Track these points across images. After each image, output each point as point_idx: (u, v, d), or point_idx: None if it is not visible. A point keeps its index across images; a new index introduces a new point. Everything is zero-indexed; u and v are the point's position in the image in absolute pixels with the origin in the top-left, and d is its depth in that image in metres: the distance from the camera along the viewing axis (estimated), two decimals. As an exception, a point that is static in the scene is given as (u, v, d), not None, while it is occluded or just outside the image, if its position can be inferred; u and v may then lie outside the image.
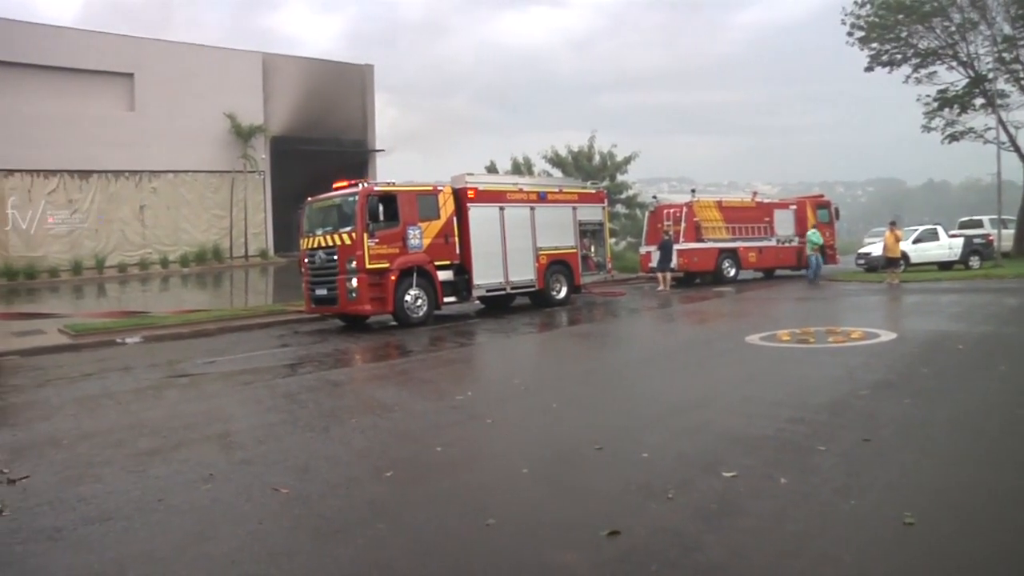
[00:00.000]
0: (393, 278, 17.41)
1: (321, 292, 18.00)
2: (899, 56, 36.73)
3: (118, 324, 18.69)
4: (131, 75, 38.48)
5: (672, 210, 28.51)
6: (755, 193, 34.17)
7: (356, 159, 44.69)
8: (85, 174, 37.15)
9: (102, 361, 15.01)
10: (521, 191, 20.92)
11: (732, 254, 28.64)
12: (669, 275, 26.60)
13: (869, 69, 37.50)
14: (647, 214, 30.95)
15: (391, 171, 44.42)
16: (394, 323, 17.97)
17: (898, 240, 25.95)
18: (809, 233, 28.21)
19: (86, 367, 14.37)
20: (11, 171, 35.15)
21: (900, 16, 34.86)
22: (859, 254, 33.29)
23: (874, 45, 36.70)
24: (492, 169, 42.82)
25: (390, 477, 6.52)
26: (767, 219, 30.03)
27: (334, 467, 6.99)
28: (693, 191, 30.46)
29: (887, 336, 13.01)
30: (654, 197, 32.54)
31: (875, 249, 30.36)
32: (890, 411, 7.87)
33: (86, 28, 39.35)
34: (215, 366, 13.57)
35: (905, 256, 27.89)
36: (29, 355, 16.17)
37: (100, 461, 7.60)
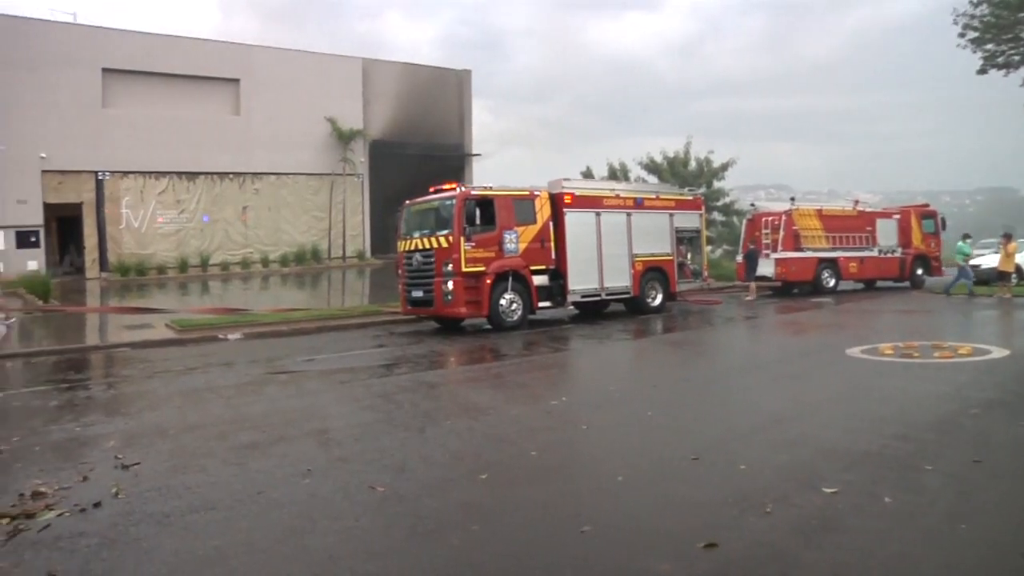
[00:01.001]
0: (489, 282, 17.51)
1: (417, 294, 18.23)
2: (1017, 57, 35.13)
3: (221, 321, 19.27)
4: (237, 81, 39.72)
5: (770, 218, 27.95)
6: (857, 201, 33.21)
7: (453, 163, 45.14)
8: (192, 176, 38.50)
9: (205, 356, 15.50)
10: (618, 197, 20.79)
11: (832, 264, 27.89)
12: (754, 285, 26.10)
13: (982, 72, 35.95)
14: (744, 222, 30.43)
15: (487, 176, 44.81)
16: (488, 327, 18.07)
17: (1011, 253, 24.83)
18: (959, 244, 26.85)
19: (190, 361, 14.86)
20: (126, 173, 36.68)
21: (1021, 15, 33.32)
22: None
23: (989, 46, 35.20)
24: (588, 174, 42.69)
25: (485, 480, 6.55)
26: (869, 228, 29.17)
27: (429, 467, 7.07)
28: (792, 199, 29.82)
29: (998, 353, 12.51)
30: (752, 204, 31.84)
31: (985, 261, 29.12)
32: (1003, 432, 7.57)
33: (197, 37, 40.59)
34: (313, 364, 13.87)
35: (1019, 269, 26.72)
36: (139, 348, 16.81)
37: (204, 452, 7.86)
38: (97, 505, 6.22)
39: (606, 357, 15.08)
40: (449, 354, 15.15)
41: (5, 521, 5.94)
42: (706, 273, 24.00)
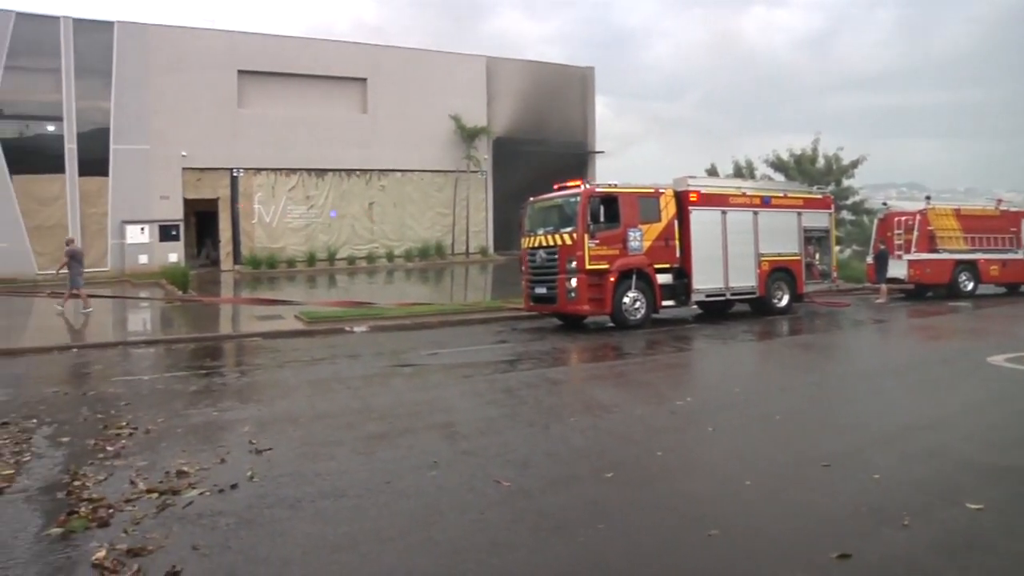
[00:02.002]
0: (612, 280, 17.41)
1: (540, 291, 18.27)
2: None
3: (347, 313, 19.74)
4: (364, 80, 40.68)
5: (903, 218, 26.82)
6: (999, 200, 31.46)
7: (576, 160, 45.11)
8: (321, 172, 39.65)
9: (332, 347, 15.92)
10: (744, 195, 20.34)
11: (970, 266, 26.54)
12: (885, 287, 25.07)
13: None
14: (876, 221, 29.27)
15: (609, 173, 44.56)
16: (611, 324, 17.96)
17: None
18: None
19: (318, 352, 15.30)
20: (259, 169, 38.09)
21: None
22: None
23: None
24: (712, 172, 41.98)
25: (610, 478, 6.52)
26: (1013, 229, 27.62)
27: (554, 464, 7.08)
28: (928, 198, 28.51)
29: None
30: (884, 203, 30.59)
31: None
32: None
33: (326, 38, 41.81)
34: (437, 358, 14.08)
35: None
36: (269, 338, 17.40)
37: (333, 441, 8.08)
38: (234, 487, 6.49)
39: (731, 358, 14.80)
40: (572, 351, 15.14)
41: (154, 495, 6.31)
42: (835, 274, 23.24)
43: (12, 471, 7.21)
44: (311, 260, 38.20)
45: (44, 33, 33.78)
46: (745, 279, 19.83)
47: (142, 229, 34.94)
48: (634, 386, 11.41)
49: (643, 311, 17.84)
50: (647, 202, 18.39)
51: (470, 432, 8.26)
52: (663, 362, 13.81)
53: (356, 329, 18.13)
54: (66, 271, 21.64)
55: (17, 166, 33.31)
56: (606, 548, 5.15)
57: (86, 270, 33.08)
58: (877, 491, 6.01)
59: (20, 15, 33.44)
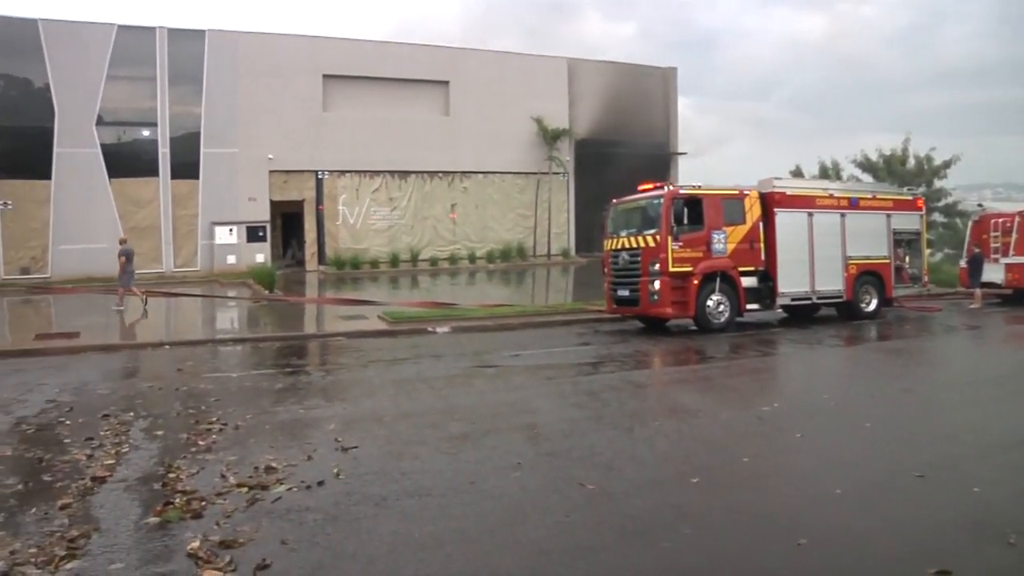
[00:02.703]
0: (696, 282, 17.19)
1: (623, 293, 18.16)
2: None
3: (430, 314, 19.90)
4: (446, 83, 41.02)
5: (1000, 219, 25.82)
6: (1107, 202, 30.11)
7: (658, 162, 44.75)
8: (404, 174, 40.11)
9: (415, 347, 16.06)
10: (831, 196, 19.86)
11: (1076, 271, 25.39)
12: (980, 291, 24.15)
13: None
14: (970, 223, 28.26)
15: (692, 175, 44.12)
16: (694, 328, 17.73)
17: None
18: None
19: (401, 352, 15.45)
20: (343, 171, 38.74)
21: None
22: None
23: None
24: (797, 173, 41.19)
25: (696, 483, 6.43)
26: (1123, 232, 26.32)
27: (639, 467, 7.02)
28: (1029, 199, 27.43)
29: None
30: (980, 204, 29.52)
31: None
32: None
33: (409, 42, 42.31)
34: (519, 359, 14.07)
35: None
36: (353, 337, 17.64)
37: (417, 440, 8.15)
38: (321, 483, 6.59)
39: (818, 363, 14.47)
40: (655, 354, 15.00)
41: (244, 490, 6.46)
42: (926, 278, 22.51)
43: (113, 461, 7.50)
44: (394, 261, 38.66)
45: (141, 44, 34.95)
46: (832, 283, 19.37)
47: (230, 230, 35.84)
48: (719, 390, 11.24)
49: (727, 314, 17.57)
50: (731, 204, 18.12)
51: (553, 434, 8.24)
52: (748, 366, 13.58)
53: (438, 330, 18.26)
54: (124, 269, 22.48)
55: (115, 170, 34.53)
56: (692, 554, 5.09)
57: (181, 269, 34.48)
58: (977, 505, 5.81)
59: (121, 27, 34.69)
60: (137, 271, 33.23)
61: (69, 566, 5.11)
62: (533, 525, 5.67)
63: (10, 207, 32.90)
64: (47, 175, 33.44)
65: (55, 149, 33.51)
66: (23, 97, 34.13)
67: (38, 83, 33.92)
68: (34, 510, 6.26)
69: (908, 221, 21.32)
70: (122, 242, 23.35)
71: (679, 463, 7.12)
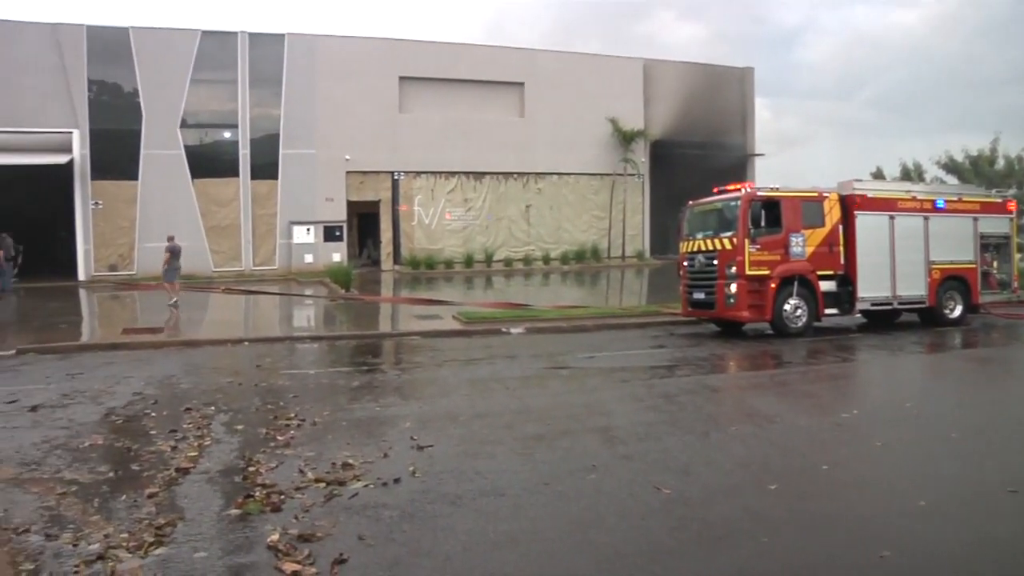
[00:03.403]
0: (773, 286, 16.91)
1: (698, 296, 17.96)
2: None
3: (504, 315, 19.95)
4: (521, 84, 41.08)
5: (1097, 224, 24.86)
6: None
7: (734, 163, 44.12)
8: (479, 175, 40.30)
9: (489, 348, 16.11)
10: (914, 199, 19.31)
11: None
12: None
13: None
14: (1065, 227, 27.26)
15: (769, 176, 43.23)
16: (770, 332, 17.44)
17: None
18: None
19: (475, 352, 15.52)
20: (418, 172, 39.09)
21: None
22: None
23: None
24: (878, 175, 40.27)
25: (775, 490, 6.32)
26: None
27: (715, 473, 6.93)
28: None
29: None
30: (1075, 208, 28.43)
31: None
32: None
33: (484, 44, 42.47)
34: (594, 361, 14.02)
35: None
36: (428, 337, 17.77)
37: (492, 440, 8.17)
38: (397, 481, 6.67)
39: (900, 370, 14.11)
40: (731, 358, 14.82)
41: (322, 485, 6.58)
42: (1015, 284, 21.72)
43: (196, 453, 7.71)
44: (468, 261, 38.87)
45: (224, 48, 35.80)
46: (914, 288, 18.84)
47: (308, 230, 36.45)
48: (796, 396, 11.03)
49: (804, 319, 17.24)
50: (810, 206, 17.77)
51: (628, 437, 8.19)
52: (826, 372, 13.31)
53: (512, 330, 18.29)
54: (169, 264, 23.56)
55: (197, 170, 35.41)
56: (770, 562, 5.01)
57: (260, 268, 35.24)
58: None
59: (204, 33, 35.59)
60: (218, 269, 34.53)
61: (157, 552, 5.31)
62: (608, 527, 5.65)
63: (100, 206, 34.01)
64: (135, 176, 34.49)
65: (142, 151, 34.53)
66: (114, 102, 35.23)
67: (127, 88, 35.01)
68: (124, 497, 6.51)
69: (997, 224, 20.61)
70: (170, 239, 24.24)
71: (756, 469, 7.01)
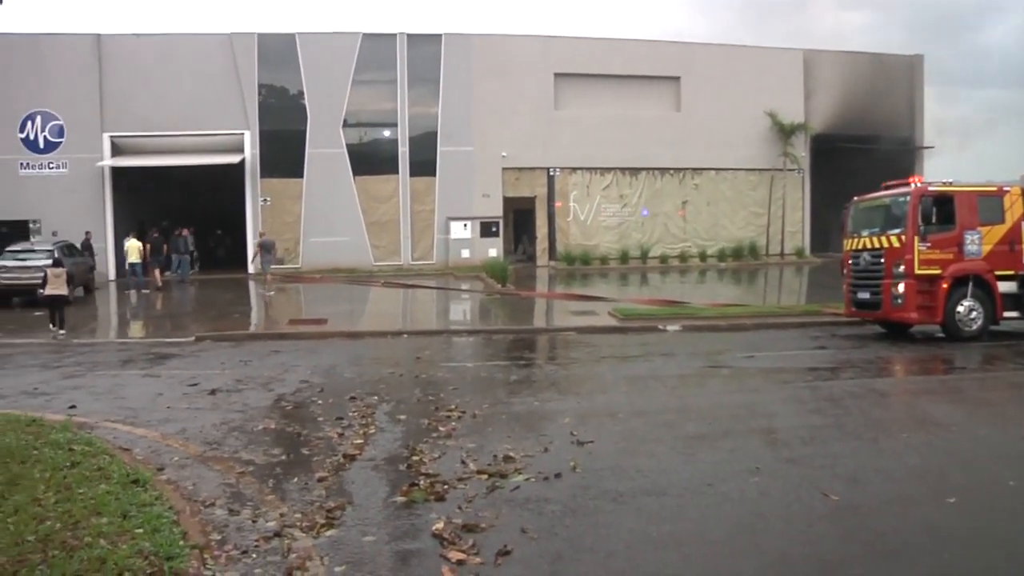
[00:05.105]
0: (945, 286, 16.01)
1: (863, 296, 17.21)
2: None
3: (660, 312, 19.70)
4: (677, 78, 40.43)
5: None
6: None
7: (902, 157, 42.07)
8: (634, 171, 39.94)
9: (645, 345, 15.93)
10: (1110, 194, 17.89)
11: None
12: None
13: None
14: None
15: (940, 171, 41.00)
16: (941, 335, 16.53)
17: None
18: None
19: (631, 349, 15.40)
20: (574, 169, 39.12)
21: None
22: None
23: None
24: (1065, 169, 37.61)
25: (954, 504, 6.01)
26: None
27: (887, 482, 6.64)
28: None
29: None
30: None
31: None
32: None
33: (639, 38, 42.01)
34: (753, 361, 13.66)
35: None
36: (583, 333, 17.74)
37: (652, 438, 8.12)
38: (558, 476, 6.71)
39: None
40: (898, 362, 14.15)
41: (484, 477, 6.71)
42: None
43: (361, 441, 8.01)
44: (623, 258, 38.64)
45: (383, 50, 36.91)
46: (1109, 291, 17.44)
47: (465, 225, 37.08)
48: (973, 404, 10.42)
49: (979, 322, 16.24)
50: (988, 202, 16.72)
51: (792, 440, 7.96)
52: (1007, 379, 12.52)
53: (669, 328, 18.04)
54: (262, 258, 26.53)
55: (358, 168, 36.63)
56: (953, 579, 4.77)
57: (418, 262, 36.22)
58: None
59: (365, 36, 36.79)
60: (378, 263, 35.67)
61: (328, 533, 5.57)
62: (774, 533, 5.52)
63: (268, 203, 35.74)
64: (300, 174, 36.05)
65: (307, 150, 36.03)
66: (281, 104, 36.94)
67: (293, 91, 36.65)
68: (296, 480, 6.84)
69: None
70: (261, 235, 27.30)
71: (932, 480, 6.68)
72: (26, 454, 6.99)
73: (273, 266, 27.85)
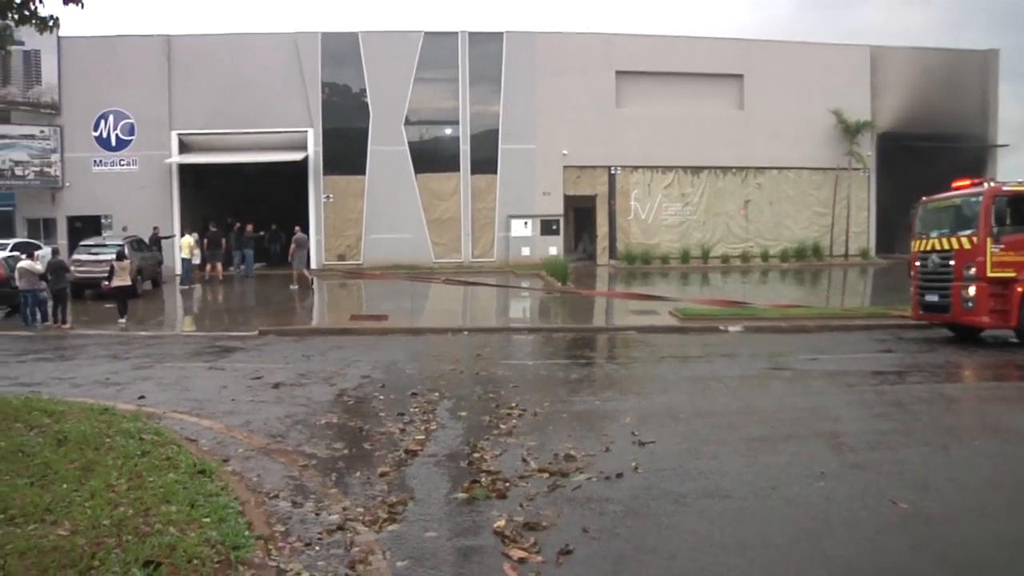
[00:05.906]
0: (1020, 290, 15.50)
1: (931, 298, 16.81)
2: None
3: (721, 312, 19.47)
4: (740, 76, 39.90)
5: None
6: None
7: (973, 156, 40.99)
8: (696, 170, 39.54)
9: (707, 345, 15.77)
10: None
11: None
12: None
13: None
14: None
15: (1015, 170, 39.84)
16: (1014, 340, 16.06)
17: None
18: None
19: (692, 349, 15.27)
20: (635, 167, 38.89)
21: None
22: None
23: None
24: None
25: (1030, 515, 5.84)
26: None
27: (958, 490, 6.48)
28: None
29: None
30: None
31: None
32: None
33: (702, 36, 41.54)
34: (817, 363, 13.44)
35: None
36: (644, 332, 17.64)
37: (714, 440, 8.03)
38: (619, 476, 6.68)
39: None
40: (968, 367, 13.78)
41: (545, 475, 6.71)
42: None
43: (423, 437, 8.07)
44: (684, 257, 38.31)
45: (445, 48, 37.12)
46: None
47: (525, 223, 37.11)
48: (1049, 410, 10.12)
49: (1059, 328, 15.75)
50: (1066, 203, 16.20)
51: (858, 445, 7.80)
52: (1085, 387, 12.14)
53: (730, 328, 17.85)
54: (295, 255, 27.12)
55: (420, 165, 36.90)
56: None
57: (478, 260, 36.39)
58: None
59: (427, 34, 37.02)
60: (438, 260, 35.89)
61: (390, 528, 5.62)
62: (841, 540, 5.42)
63: (331, 200, 36.20)
64: (362, 171, 36.42)
65: (369, 147, 36.39)
66: (344, 102, 37.36)
67: (356, 89, 37.07)
68: (358, 474, 6.93)
69: None
70: (295, 231, 28.29)
71: (1008, 490, 6.50)
72: (99, 441, 7.18)
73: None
